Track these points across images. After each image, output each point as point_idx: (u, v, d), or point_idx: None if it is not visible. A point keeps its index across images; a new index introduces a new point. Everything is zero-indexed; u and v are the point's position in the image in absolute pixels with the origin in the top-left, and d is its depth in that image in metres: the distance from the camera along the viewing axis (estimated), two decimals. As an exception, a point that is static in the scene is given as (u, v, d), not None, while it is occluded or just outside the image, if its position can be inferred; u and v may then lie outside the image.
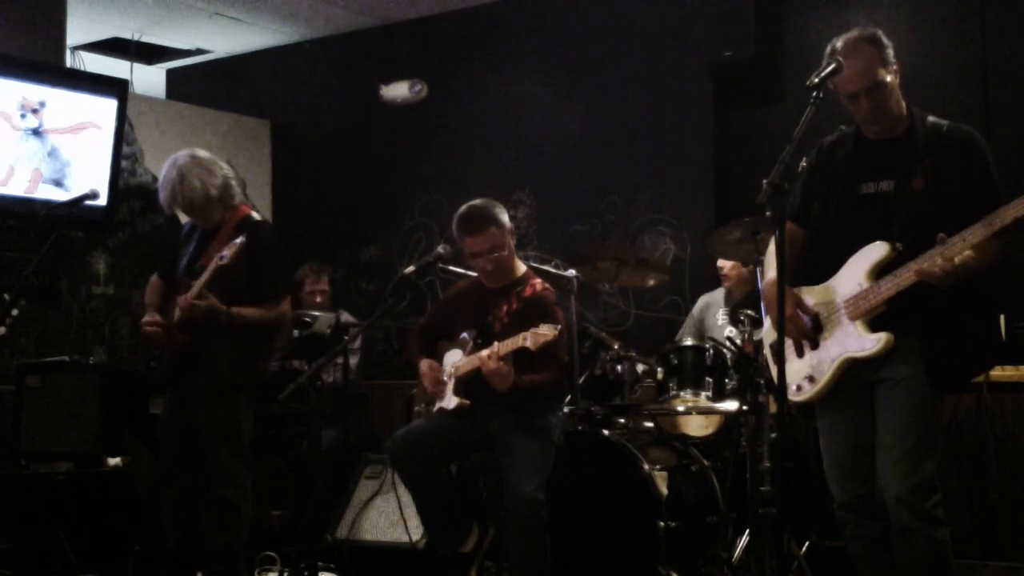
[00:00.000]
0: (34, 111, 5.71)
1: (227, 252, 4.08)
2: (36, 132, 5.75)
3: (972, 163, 3.19)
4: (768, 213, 2.94)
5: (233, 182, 4.41)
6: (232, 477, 4.26)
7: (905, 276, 3.10)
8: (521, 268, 4.33)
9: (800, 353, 3.36)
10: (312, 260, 6.17)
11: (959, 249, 3.00)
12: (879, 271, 3.18)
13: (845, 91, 3.21)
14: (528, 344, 3.82)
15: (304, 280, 5.98)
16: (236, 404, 4.29)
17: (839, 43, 3.22)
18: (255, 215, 4.48)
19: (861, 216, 3.26)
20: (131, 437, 5.24)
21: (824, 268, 3.34)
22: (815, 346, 3.32)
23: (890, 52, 3.23)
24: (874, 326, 3.19)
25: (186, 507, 4.35)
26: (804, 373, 3.33)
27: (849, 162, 3.32)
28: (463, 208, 4.22)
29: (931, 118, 3.27)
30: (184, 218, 4.62)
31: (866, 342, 3.19)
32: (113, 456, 5.13)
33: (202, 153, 4.39)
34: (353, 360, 5.70)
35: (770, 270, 3.34)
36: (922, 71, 5.24)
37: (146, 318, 4.37)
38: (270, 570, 4.88)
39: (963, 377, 3.46)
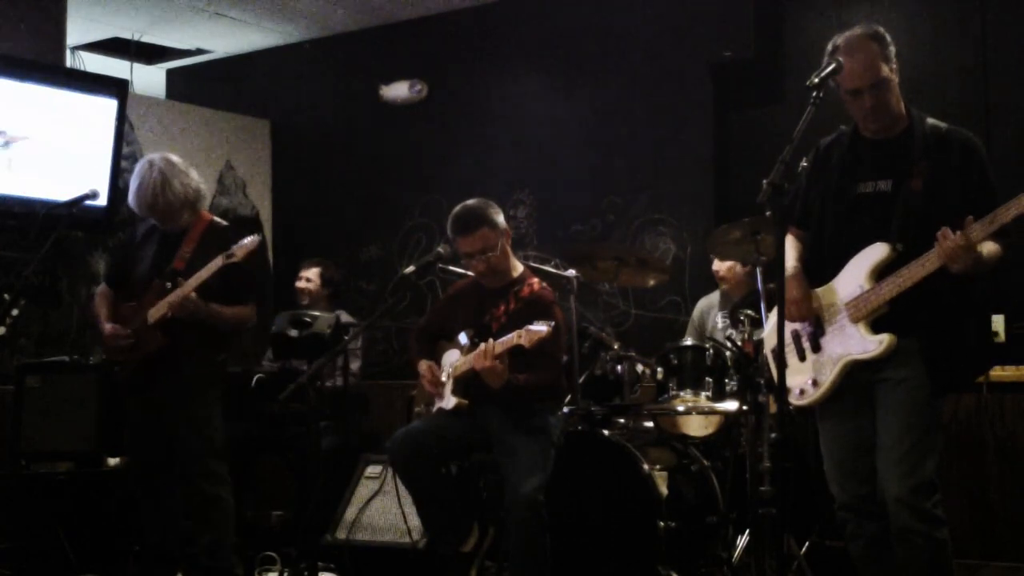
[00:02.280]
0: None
1: (238, 251, 4.11)
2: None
3: (970, 165, 3.20)
4: (768, 213, 2.94)
5: (202, 187, 4.47)
6: (213, 473, 4.29)
7: (914, 272, 3.09)
8: (519, 268, 4.33)
9: (802, 357, 3.36)
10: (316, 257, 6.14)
11: (978, 235, 2.99)
12: (880, 272, 3.18)
13: (847, 87, 3.20)
14: (523, 342, 3.82)
15: (299, 271, 5.98)
16: (208, 399, 4.33)
17: (841, 40, 3.21)
18: (219, 220, 4.50)
19: (859, 216, 3.26)
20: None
21: (823, 268, 3.34)
22: (816, 349, 3.32)
23: (892, 50, 3.23)
24: (876, 327, 3.19)
25: (165, 507, 4.38)
26: (807, 377, 3.33)
27: (846, 161, 3.32)
28: (456, 208, 4.23)
29: (930, 120, 3.27)
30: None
31: (868, 344, 3.18)
32: (113, 456, 5.14)
33: (175, 157, 4.46)
34: (355, 364, 5.69)
35: (787, 261, 3.33)
36: (922, 71, 5.24)
37: (113, 332, 4.33)
38: (270, 570, 4.88)
39: (964, 378, 3.46)
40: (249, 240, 4.16)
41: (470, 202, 4.23)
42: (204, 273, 4.16)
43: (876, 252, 3.19)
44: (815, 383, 3.31)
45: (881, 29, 3.25)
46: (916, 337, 3.17)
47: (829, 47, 3.21)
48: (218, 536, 4.28)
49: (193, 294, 4.15)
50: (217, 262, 4.13)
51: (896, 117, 3.27)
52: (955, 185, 3.17)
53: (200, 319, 4.21)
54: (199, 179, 4.46)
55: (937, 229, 3.04)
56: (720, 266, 5.20)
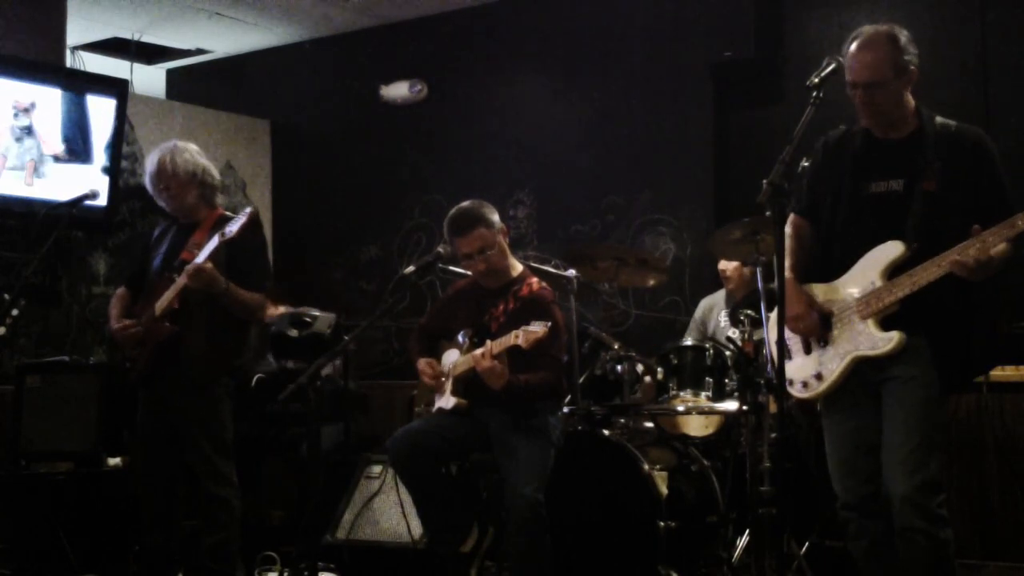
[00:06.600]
0: (26, 110, 5.71)
1: (232, 228, 4.08)
2: (30, 130, 5.75)
3: (981, 164, 3.20)
4: (768, 213, 2.94)
5: (212, 168, 4.47)
6: (220, 474, 4.27)
7: (929, 272, 3.09)
8: (518, 267, 4.33)
9: (808, 350, 3.35)
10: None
11: (992, 243, 3.00)
12: (893, 270, 3.18)
13: (847, 77, 3.21)
14: (520, 342, 3.82)
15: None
16: (216, 400, 4.30)
17: (862, 30, 3.23)
18: (230, 213, 4.50)
19: (869, 215, 3.26)
20: (131, 437, 5.23)
21: (830, 266, 3.34)
22: (823, 343, 3.32)
23: (908, 56, 3.22)
24: (885, 325, 3.19)
25: (169, 506, 4.37)
26: (811, 370, 3.33)
27: (857, 161, 3.32)
28: (452, 210, 4.24)
29: (939, 119, 3.27)
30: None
31: (878, 341, 3.18)
32: (113, 456, 5.14)
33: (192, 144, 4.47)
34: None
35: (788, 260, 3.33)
36: (922, 71, 5.22)
37: (120, 325, 4.33)
38: (270, 570, 4.88)
39: (971, 376, 3.46)
40: (241, 215, 4.11)
41: (464, 204, 4.24)
42: (204, 254, 4.13)
43: (891, 250, 3.19)
44: (820, 377, 3.30)
45: (902, 32, 3.24)
46: (924, 335, 3.17)
47: (852, 36, 3.22)
48: (224, 538, 4.26)
49: (209, 263, 4.10)
50: (214, 241, 4.11)
51: (897, 119, 3.27)
52: (967, 184, 3.18)
53: (216, 291, 4.14)
54: (210, 164, 4.44)
55: (950, 229, 3.06)
56: (727, 266, 5.21)
